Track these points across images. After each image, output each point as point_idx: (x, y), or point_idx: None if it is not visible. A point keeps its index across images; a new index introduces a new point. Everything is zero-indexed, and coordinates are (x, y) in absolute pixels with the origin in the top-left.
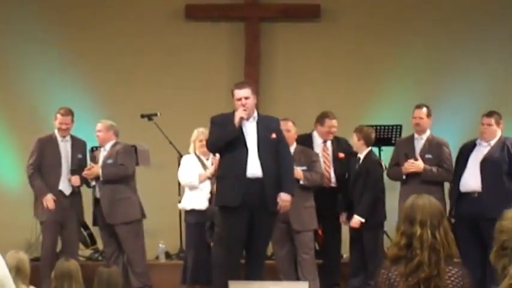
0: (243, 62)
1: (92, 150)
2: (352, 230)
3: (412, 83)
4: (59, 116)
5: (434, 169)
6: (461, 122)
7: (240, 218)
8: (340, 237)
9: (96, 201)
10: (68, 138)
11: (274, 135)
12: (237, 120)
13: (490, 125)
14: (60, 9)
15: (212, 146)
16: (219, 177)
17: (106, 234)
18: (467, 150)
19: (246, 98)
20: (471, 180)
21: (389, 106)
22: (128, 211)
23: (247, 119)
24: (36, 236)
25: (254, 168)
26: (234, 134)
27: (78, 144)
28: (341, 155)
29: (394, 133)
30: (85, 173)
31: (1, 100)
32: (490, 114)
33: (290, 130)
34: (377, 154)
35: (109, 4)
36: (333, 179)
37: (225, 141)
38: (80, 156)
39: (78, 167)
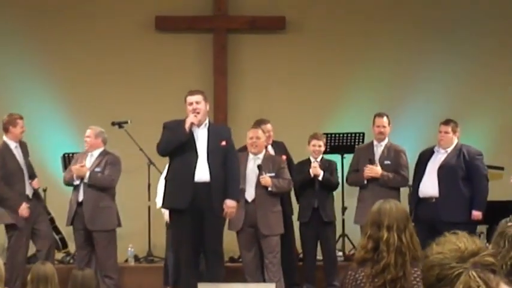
0: (211, 72)
1: (64, 156)
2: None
3: (373, 92)
4: (20, 121)
5: (391, 175)
6: (419, 130)
7: (189, 220)
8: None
9: (78, 204)
10: (18, 143)
11: (224, 143)
12: (187, 124)
13: (447, 132)
14: (30, 16)
15: (162, 149)
16: (168, 180)
17: (81, 237)
18: (425, 157)
19: (197, 103)
20: (429, 186)
21: (350, 114)
22: (108, 220)
23: (199, 125)
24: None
25: (202, 173)
26: (184, 138)
27: (24, 148)
28: (283, 157)
29: (356, 140)
30: (75, 167)
31: None
32: (447, 122)
33: (260, 138)
34: (339, 161)
35: (80, 13)
36: None
37: (175, 145)
38: (29, 158)
39: (32, 170)
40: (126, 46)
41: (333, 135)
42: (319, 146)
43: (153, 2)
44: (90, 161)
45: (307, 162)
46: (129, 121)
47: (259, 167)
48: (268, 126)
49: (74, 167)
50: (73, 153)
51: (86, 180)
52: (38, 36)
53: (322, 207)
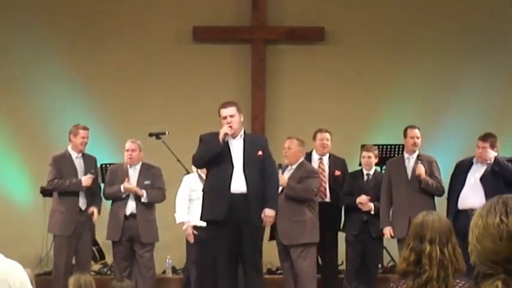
0: (249, 83)
1: (101, 167)
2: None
3: (411, 103)
4: (80, 131)
5: (429, 180)
6: (456, 142)
7: (226, 232)
8: (337, 251)
9: (126, 218)
10: (80, 154)
11: (260, 153)
12: (221, 136)
13: (485, 148)
14: (71, 32)
15: (197, 161)
16: (204, 192)
17: (124, 249)
18: (464, 168)
19: (231, 116)
20: (471, 197)
21: (389, 125)
22: (155, 232)
23: (234, 136)
24: (46, 250)
25: (239, 183)
26: (218, 149)
27: (89, 161)
28: (338, 172)
29: (397, 152)
30: (127, 186)
31: (11, 118)
32: (485, 138)
33: (291, 148)
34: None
35: (118, 26)
36: (328, 195)
37: (209, 157)
38: (92, 171)
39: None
40: (164, 57)
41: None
42: (369, 157)
43: (191, 13)
44: (133, 174)
45: (359, 174)
46: (167, 132)
47: (280, 165)
48: (325, 134)
49: (126, 186)
50: (110, 164)
51: (143, 200)
52: (75, 48)
53: (372, 221)
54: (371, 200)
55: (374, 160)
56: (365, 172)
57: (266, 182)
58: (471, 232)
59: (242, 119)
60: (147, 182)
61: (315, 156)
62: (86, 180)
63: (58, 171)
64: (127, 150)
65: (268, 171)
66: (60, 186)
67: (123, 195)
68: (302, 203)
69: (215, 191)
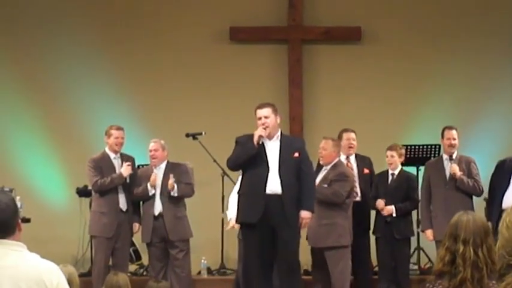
0: (286, 83)
1: (138, 167)
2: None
3: (449, 103)
4: (113, 131)
5: (465, 179)
6: (494, 143)
7: (260, 233)
8: (369, 252)
9: (154, 218)
10: (118, 155)
11: (296, 154)
12: (255, 138)
13: None
14: (107, 34)
15: (231, 163)
16: (240, 194)
17: (157, 250)
18: (507, 167)
19: (266, 117)
20: None
21: (428, 126)
22: (186, 229)
23: (269, 137)
24: (83, 251)
25: (274, 185)
26: (252, 151)
27: (128, 160)
28: (366, 170)
29: (433, 153)
30: (153, 178)
31: (48, 120)
32: None
33: (326, 148)
34: (415, 173)
35: (154, 27)
36: (359, 194)
37: (243, 159)
38: (131, 172)
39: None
40: (200, 57)
41: (409, 147)
42: (392, 156)
43: (228, 13)
44: (159, 174)
45: (384, 174)
46: (203, 133)
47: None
48: (351, 134)
49: (153, 178)
50: (145, 165)
51: (174, 194)
52: (114, 52)
53: (395, 223)
54: (391, 202)
55: (398, 159)
56: (390, 172)
57: (302, 183)
58: (502, 222)
59: (279, 120)
60: (181, 185)
61: (342, 157)
62: (125, 170)
63: (99, 172)
64: (150, 151)
65: (305, 173)
66: (104, 184)
67: (150, 193)
68: (331, 206)
69: (250, 193)
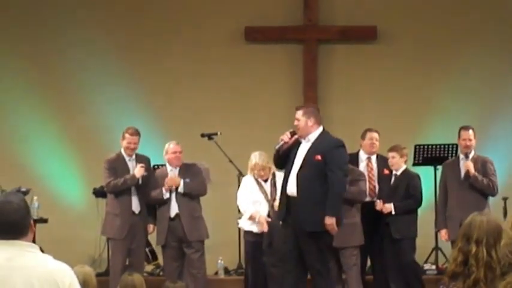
0: (301, 83)
1: (154, 168)
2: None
3: (465, 103)
4: (127, 135)
5: (479, 177)
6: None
7: (285, 234)
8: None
9: (170, 219)
10: (133, 156)
11: (318, 157)
12: (284, 138)
13: None
14: (123, 35)
15: (274, 158)
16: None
17: (173, 250)
18: None
19: (297, 120)
20: None
21: (444, 126)
22: (202, 230)
23: (303, 138)
24: (99, 252)
25: (291, 186)
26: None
27: (142, 161)
28: (386, 171)
29: (449, 152)
30: (168, 177)
31: (65, 121)
32: None
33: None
34: (432, 173)
35: (170, 27)
36: (377, 194)
37: (279, 155)
38: (145, 173)
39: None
40: (216, 57)
41: (425, 147)
42: (392, 157)
43: (243, 13)
44: (174, 175)
45: (390, 175)
46: (218, 133)
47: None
48: (374, 134)
49: (168, 178)
50: (163, 165)
51: (180, 190)
52: (131, 48)
53: (393, 222)
54: (389, 201)
55: (400, 160)
56: (393, 172)
57: (328, 188)
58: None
59: (310, 123)
60: (186, 180)
61: (363, 156)
62: (138, 171)
63: (113, 173)
64: (174, 152)
65: (329, 178)
66: (117, 185)
67: (165, 197)
68: (352, 206)
69: (280, 193)
